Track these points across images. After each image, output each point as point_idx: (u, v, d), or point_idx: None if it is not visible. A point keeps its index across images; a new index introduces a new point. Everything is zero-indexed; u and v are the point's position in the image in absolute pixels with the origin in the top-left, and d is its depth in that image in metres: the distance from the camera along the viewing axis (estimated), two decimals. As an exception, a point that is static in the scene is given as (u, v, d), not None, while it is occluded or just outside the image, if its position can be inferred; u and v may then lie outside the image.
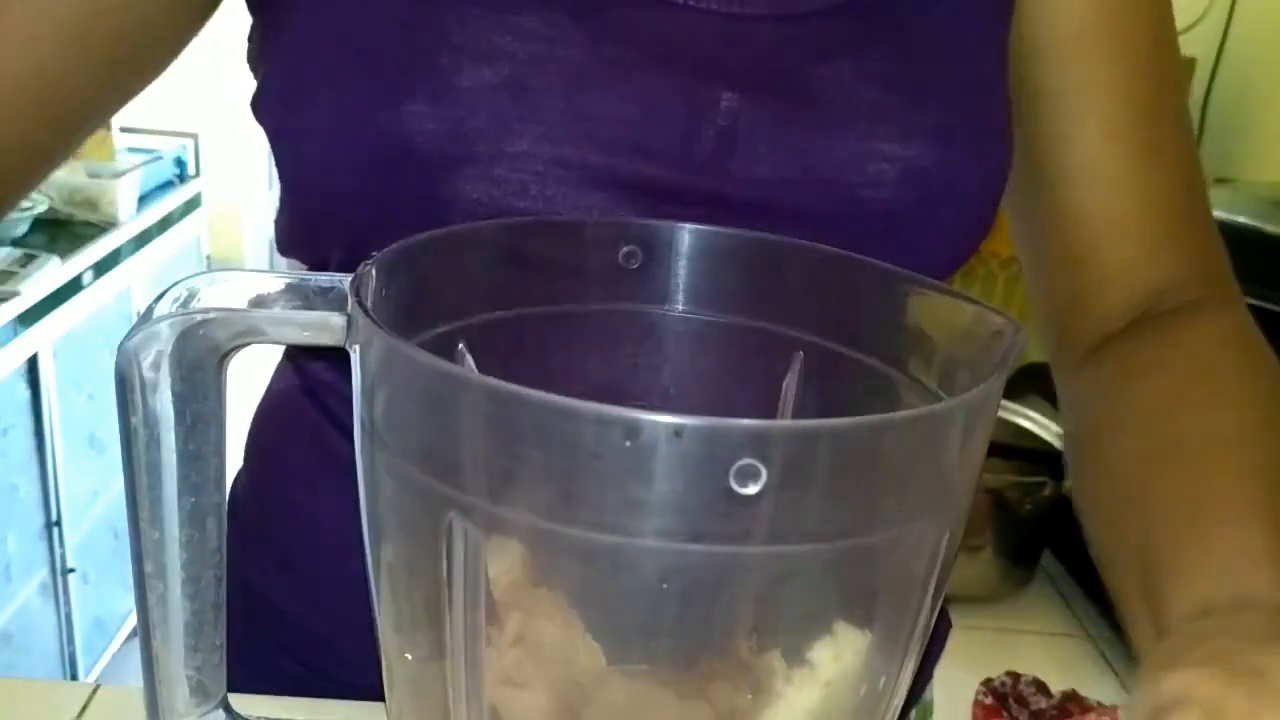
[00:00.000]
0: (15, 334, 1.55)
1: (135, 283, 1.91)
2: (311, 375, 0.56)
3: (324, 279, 0.33)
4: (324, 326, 0.33)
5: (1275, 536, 0.40)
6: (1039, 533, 2.17)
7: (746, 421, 0.26)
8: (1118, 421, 0.50)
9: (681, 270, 0.41)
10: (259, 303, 0.33)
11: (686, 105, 0.46)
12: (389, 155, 0.44)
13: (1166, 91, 0.55)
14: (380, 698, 0.36)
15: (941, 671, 0.62)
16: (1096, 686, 1.86)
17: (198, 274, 0.34)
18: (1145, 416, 0.49)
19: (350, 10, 0.45)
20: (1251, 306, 0.55)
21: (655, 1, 0.46)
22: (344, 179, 0.46)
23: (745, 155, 0.46)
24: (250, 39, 0.52)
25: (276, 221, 0.53)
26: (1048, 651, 2.10)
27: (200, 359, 0.32)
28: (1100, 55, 0.54)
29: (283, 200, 0.51)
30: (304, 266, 0.51)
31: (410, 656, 0.33)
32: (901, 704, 0.34)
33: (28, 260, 1.61)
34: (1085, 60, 0.54)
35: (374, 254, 0.34)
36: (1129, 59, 0.54)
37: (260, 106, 0.49)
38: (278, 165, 0.49)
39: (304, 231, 0.52)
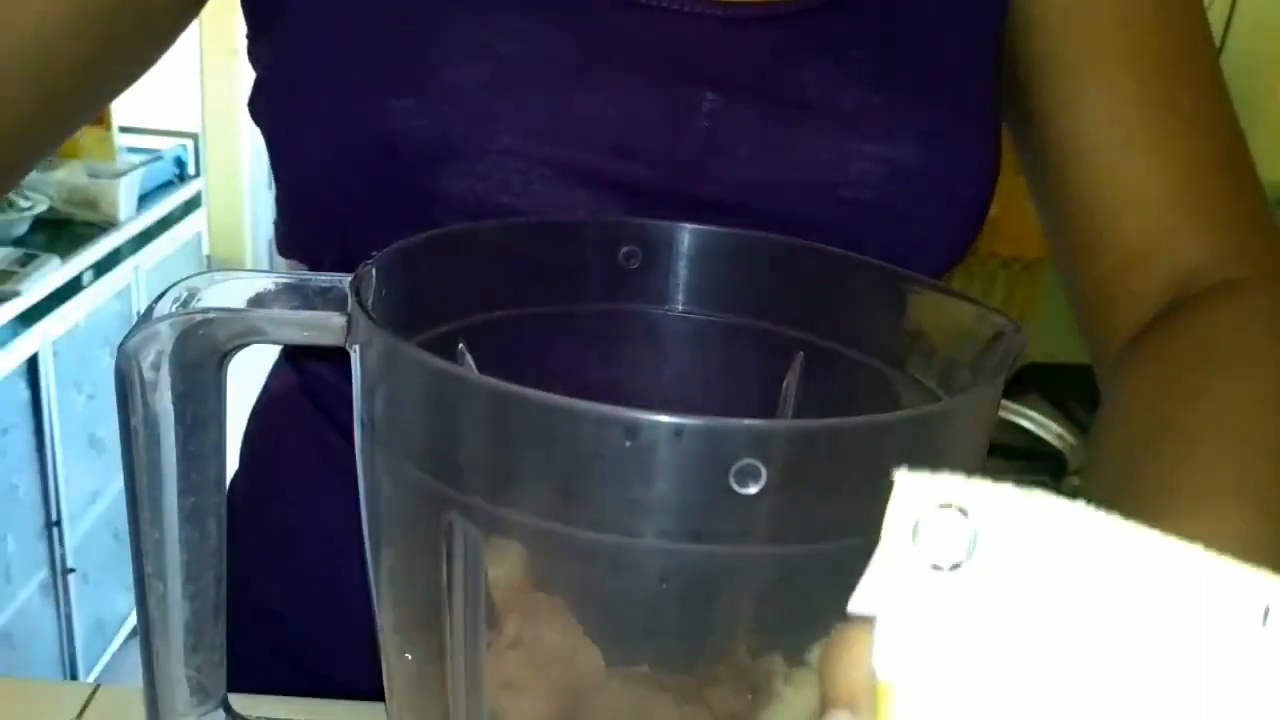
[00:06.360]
0: (15, 334, 1.55)
1: (135, 283, 1.91)
2: (311, 373, 0.56)
3: (324, 279, 0.33)
4: (324, 326, 0.33)
5: (1246, 521, 0.38)
6: (1039, 533, 2.16)
7: (746, 421, 0.26)
8: (1115, 408, 0.47)
9: (681, 270, 0.41)
10: (259, 303, 0.33)
11: (669, 106, 0.46)
12: (376, 149, 0.45)
13: (1181, 50, 0.51)
14: (378, 700, 0.36)
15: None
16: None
17: (198, 274, 0.34)
18: (1142, 399, 0.46)
19: (339, 6, 0.46)
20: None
21: (639, 4, 0.46)
22: (333, 173, 0.46)
23: (727, 156, 0.46)
24: (249, 36, 0.52)
25: (275, 223, 0.53)
26: (1048, 651, 2.09)
27: (200, 359, 0.32)
28: (1095, 12, 0.51)
29: (279, 199, 0.52)
30: (304, 267, 0.51)
31: (410, 657, 0.33)
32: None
33: (28, 260, 1.62)
34: (1080, 20, 0.51)
35: (372, 253, 0.34)
36: (1129, 13, 0.50)
37: (255, 104, 0.49)
38: (272, 162, 0.49)
39: (299, 230, 0.52)
